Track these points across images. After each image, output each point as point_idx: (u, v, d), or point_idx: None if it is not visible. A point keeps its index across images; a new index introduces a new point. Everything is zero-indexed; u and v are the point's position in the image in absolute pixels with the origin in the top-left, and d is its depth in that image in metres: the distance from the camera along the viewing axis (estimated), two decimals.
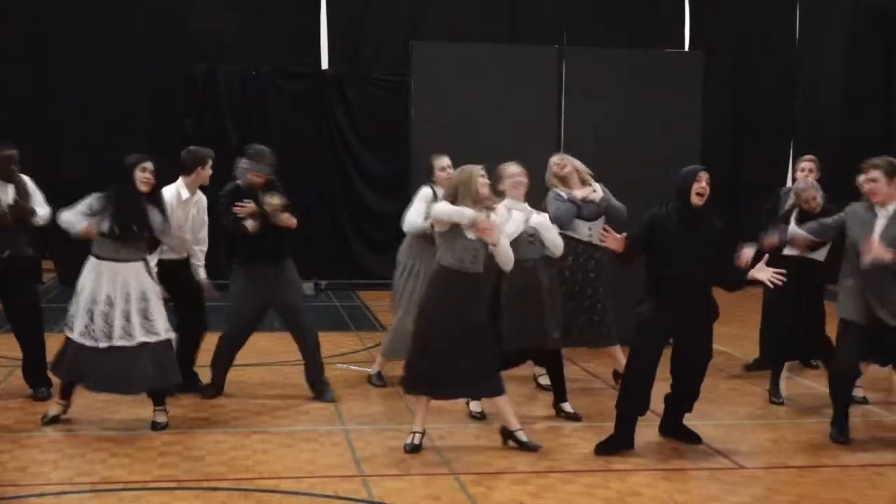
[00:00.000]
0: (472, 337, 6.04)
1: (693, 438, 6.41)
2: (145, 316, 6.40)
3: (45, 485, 5.48)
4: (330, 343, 9.46)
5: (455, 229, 6.04)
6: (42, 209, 7.21)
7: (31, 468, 5.77)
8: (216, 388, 7.42)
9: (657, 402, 6.34)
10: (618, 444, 6.22)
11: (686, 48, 14.35)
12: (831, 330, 7.63)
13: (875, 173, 6.34)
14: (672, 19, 14.62)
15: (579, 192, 7.68)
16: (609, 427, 6.45)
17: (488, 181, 6.18)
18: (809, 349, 7.85)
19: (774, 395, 7.59)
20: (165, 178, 7.59)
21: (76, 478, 5.57)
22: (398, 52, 13.37)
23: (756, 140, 14.74)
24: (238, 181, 7.24)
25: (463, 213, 6.01)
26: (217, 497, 5.32)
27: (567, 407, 6.99)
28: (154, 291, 6.51)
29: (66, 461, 5.87)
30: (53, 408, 6.66)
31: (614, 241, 6.05)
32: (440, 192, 7.63)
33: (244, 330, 7.43)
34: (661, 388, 6.31)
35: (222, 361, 7.45)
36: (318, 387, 7.43)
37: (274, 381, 7.78)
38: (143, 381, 6.41)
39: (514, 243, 6.50)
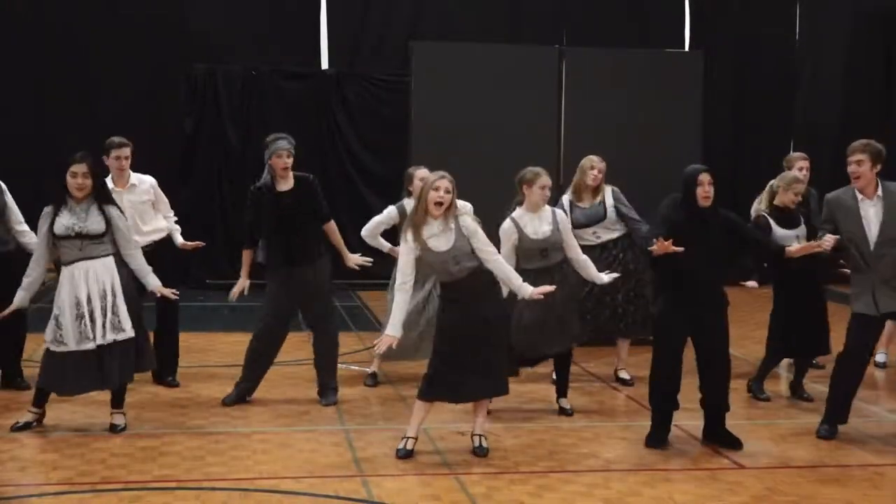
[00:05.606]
0: (481, 338, 5.97)
1: (733, 444, 6.26)
2: (114, 312, 6.26)
3: (45, 485, 5.47)
4: None
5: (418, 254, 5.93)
6: None
7: (31, 468, 5.77)
8: (235, 393, 7.20)
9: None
10: (657, 437, 6.26)
11: (686, 48, 14.36)
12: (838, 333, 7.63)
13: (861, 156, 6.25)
14: (672, 19, 14.62)
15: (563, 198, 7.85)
16: (609, 427, 6.46)
17: (443, 195, 5.85)
18: (811, 347, 7.64)
19: (759, 390, 7.56)
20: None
21: (76, 478, 5.56)
22: (398, 52, 13.38)
23: (756, 140, 14.72)
24: (264, 179, 7.11)
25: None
26: (217, 497, 5.32)
27: (563, 403, 7.10)
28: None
29: (66, 461, 5.85)
30: (26, 415, 6.48)
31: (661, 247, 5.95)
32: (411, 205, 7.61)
33: (269, 332, 7.16)
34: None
35: (248, 363, 7.21)
36: (324, 389, 7.32)
37: (274, 381, 7.75)
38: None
39: (530, 252, 6.71)
